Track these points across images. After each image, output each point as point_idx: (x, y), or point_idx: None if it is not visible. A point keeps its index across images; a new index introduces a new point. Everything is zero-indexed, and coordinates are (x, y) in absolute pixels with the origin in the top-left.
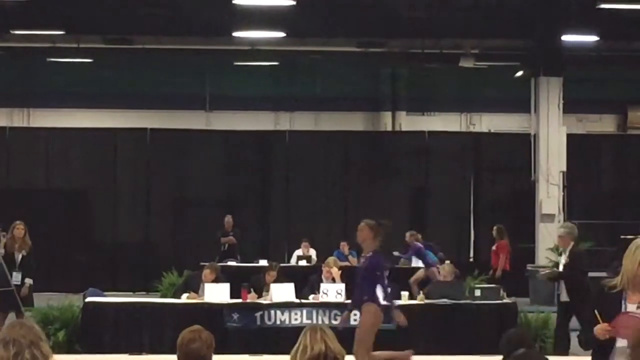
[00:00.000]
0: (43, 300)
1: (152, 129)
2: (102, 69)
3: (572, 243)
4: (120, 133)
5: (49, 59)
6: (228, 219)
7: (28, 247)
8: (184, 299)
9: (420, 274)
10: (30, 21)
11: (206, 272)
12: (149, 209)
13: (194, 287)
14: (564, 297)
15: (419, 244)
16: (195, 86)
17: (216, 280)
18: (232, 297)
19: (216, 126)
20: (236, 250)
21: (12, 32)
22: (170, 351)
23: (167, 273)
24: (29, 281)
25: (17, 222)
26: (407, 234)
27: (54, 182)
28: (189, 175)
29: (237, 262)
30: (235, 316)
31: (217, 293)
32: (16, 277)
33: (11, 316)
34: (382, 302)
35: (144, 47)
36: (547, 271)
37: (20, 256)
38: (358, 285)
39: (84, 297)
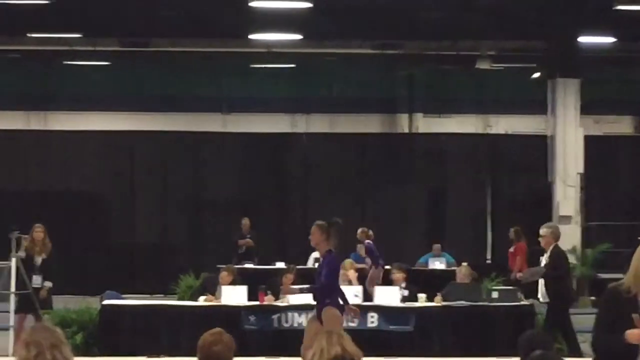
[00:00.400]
0: (61, 302)
1: (169, 132)
2: (118, 72)
3: (554, 243)
4: (137, 136)
5: (65, 62)
6: (245, 221)
7: (48, 250)
8: (202, 301)
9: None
10: (47, 24)
11: (223, 275)
12: (166, 211)
13: (211, 289)
14: (544, 298)
15: (369, 242)
16: (211, 89)
17: (233, 282)
18: (249, 299)
19: (233, 129)
20: (253, 253)
21: (29, 35)
22: (188, 354)
23: (184, 275)
24: (48, 284)
25: (37, 225)
26: (359, 231)
27: (70, 185)
28: (205, 178)
29: (254, 265)
30: (253, 319)
31: (234, 295)
32: (36, 280)
33: (29, 319)
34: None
35: (160, 50)
36: (531, 269)
37: (40, 259)
38: (318, 289)
39: (102, 300)
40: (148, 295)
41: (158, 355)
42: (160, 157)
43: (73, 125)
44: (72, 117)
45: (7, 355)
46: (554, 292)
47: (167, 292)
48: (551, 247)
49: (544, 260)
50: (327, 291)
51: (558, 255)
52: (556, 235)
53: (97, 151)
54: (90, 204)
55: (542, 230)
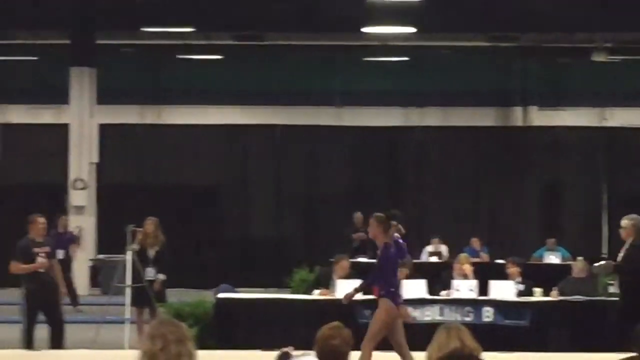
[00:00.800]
0: (175, 296)
1: (282, 126)
2: (232, 66)
3: (634, 236)
4: (251, 130)
5: (179, 56)
6: (358, 215)
7: (161, 243)
8: (316, 295)
9: None
10: (161, 18)
11: (337, 268)
12: (280, 205)
13: (326, 283)
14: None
15: (397, 235)
16: (325, 82)
17: (348, 276)
18: (363, 293)
19: (346, 122)
20: (367, 247)
21: (142, 29)
22: (302, 347)
23: (298, 269)
24: (161, 277)
25: (149, 218)
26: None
27: (184, 178)
28: (319, 171)
29: (368, 259)
30: (367, 313)
31: (348, 289)
32: (149, 273)
33: (146, 312)
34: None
35: (274, 44)
36: (602, 263)
37: (153, 252)
38: (374, 277)
39: (216, 293)
40: (262, 289)
41: (272, 349)
42: (273, 150)
43: (187, 119)
44: (186, 111)
45: (123, 348)
46: (626, 286)
47: (281, 286)
48: (630, 240)
49: (621, 252)
50: (381, 283)
51: (638, 249)
52: (638, 228)
53: (210, 145)
54: (204, 198)
55: (624, 222)
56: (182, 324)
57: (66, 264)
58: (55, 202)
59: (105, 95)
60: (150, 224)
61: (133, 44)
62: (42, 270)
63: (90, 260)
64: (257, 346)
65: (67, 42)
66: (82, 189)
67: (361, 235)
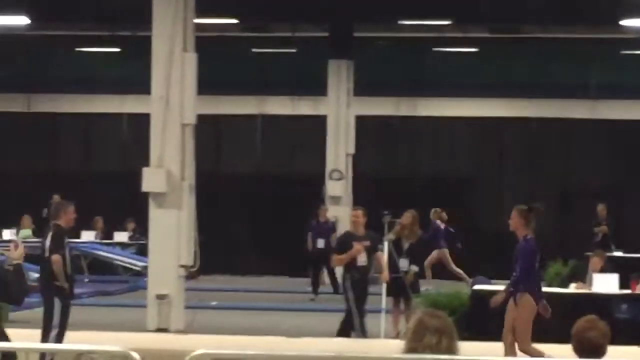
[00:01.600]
0: (432, 287)
1: (536, 118)
2: (487, 58)
3: None
4: (505, 122)
5: (434, 49)
6: (600, 207)
7: (416, 236)
8: (572, 288)
9: (434, 255)
10: (419, 11)
11: (594, 261)
12: (534, 198)
13: (581, 276)
14: None
15: (440, 224)
16: (579, 75)
17: (603, 269)
18: (620, 287)
19: (601, 115)
20: (610, 240)
21: (400, 22)
22: (558, 340)
23: (553, 262)
24: (414, 268)
25: (408, 210)
26: (432, 212)
27: (439, 170)
28: (574, 164)
29: (614, 252)
30: (624, 307)
31: (605, 283)
32: (402, 264)
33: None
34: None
35: (529, 37)
36: None
37: (407, 244)
38: (515, 271)
39: (472, 285)
40: None
41: None
42: (528, 143)
43: (442, 112)
44: (441, 104)
45: (379, 337)
46: None
47: None
48: None
49: None
50: (522, 277)
51: None
52: None
53: (465, 137)
54: (458, 189)
55: None
56: (448, 318)
57: (327, 253)
58: (311, 193)
59: (362, 87)
60: (408, 216)
61: (389, 37)
62: (363, 263)
63: None
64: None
65: (326, 34)
66: (338, 179)
67: (603, 229)
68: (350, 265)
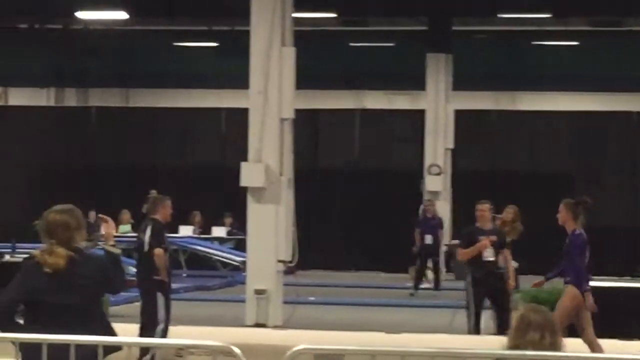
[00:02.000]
0: (528, 282)
1: (638, 112)
2: (588, 52)
3: None
4: (607, 117)
5: (534, 42)
6: None
7: (517, 232)
8: None
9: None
10: (517, 4)
11: None
12: (635, 193)
13: None
14: None
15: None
16: None
17: None
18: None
19: None
20: None
21: (499, 15)
22: None
23: None
24: (514, 264)
25: (509, 206)
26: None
27: (538, 165)
28: None
29: None
30: None
31: None
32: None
33: None
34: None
35: (631, 29)
36: None
37: (509, 240)
38: (563, 265)
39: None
40: (616, 278)
41: (632, 338)
42: (630, 138)
43: (541, 106)
44: (540, 97)
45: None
46: None
47: (634, 275)
48: None
49: None
50: (570, 272)
51: None
52: None
53: (565, 131)
54: (558, 185)
55: None
56: (549, 312)
57: (434, 248)
58: (409, 188)
59: (460, 81)
60: (510, 212)
61: (488, 30)
62: (490, 258)
63: (445, 245)
64: (634, 335)
65: (424, 28)
66: (437, 174)
67: None
68: (475, 260)
